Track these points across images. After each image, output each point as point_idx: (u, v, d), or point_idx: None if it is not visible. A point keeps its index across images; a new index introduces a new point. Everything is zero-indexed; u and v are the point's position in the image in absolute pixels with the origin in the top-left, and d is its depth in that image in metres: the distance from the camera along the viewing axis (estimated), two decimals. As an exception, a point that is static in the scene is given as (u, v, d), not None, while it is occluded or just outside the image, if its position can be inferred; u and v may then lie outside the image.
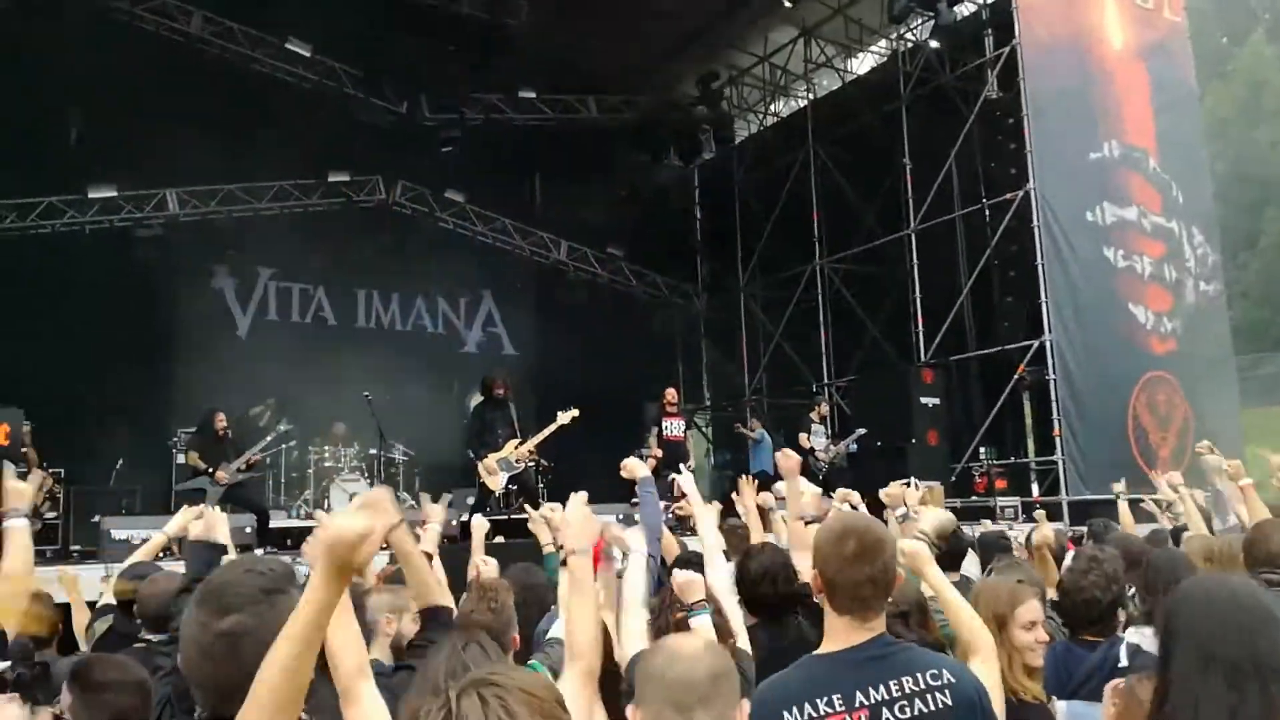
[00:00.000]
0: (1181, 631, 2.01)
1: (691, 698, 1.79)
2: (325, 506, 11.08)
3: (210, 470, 8.98)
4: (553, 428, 9.32)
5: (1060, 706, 3.11)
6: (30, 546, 2.99)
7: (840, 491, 5.98)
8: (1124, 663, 3.00)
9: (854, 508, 5.30)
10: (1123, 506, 6.27)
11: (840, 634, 2.34)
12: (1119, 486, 6.51)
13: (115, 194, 13.55)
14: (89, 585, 5.38)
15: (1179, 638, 2.01)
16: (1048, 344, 11.94)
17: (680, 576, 2.96)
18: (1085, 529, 6.15)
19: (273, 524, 9.54)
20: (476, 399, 9.89)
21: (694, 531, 5.85)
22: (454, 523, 9.20)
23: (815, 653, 2.38)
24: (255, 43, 14.00)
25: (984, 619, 2.90)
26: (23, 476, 8.62)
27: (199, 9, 13.46)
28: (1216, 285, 14.36)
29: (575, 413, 9.31)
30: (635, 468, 4.18)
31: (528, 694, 1.43)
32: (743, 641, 3.04)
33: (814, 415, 12.26)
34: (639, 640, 2.85)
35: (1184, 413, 12.91)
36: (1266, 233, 35.01)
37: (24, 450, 9.18)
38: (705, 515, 4.38)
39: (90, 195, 13.39)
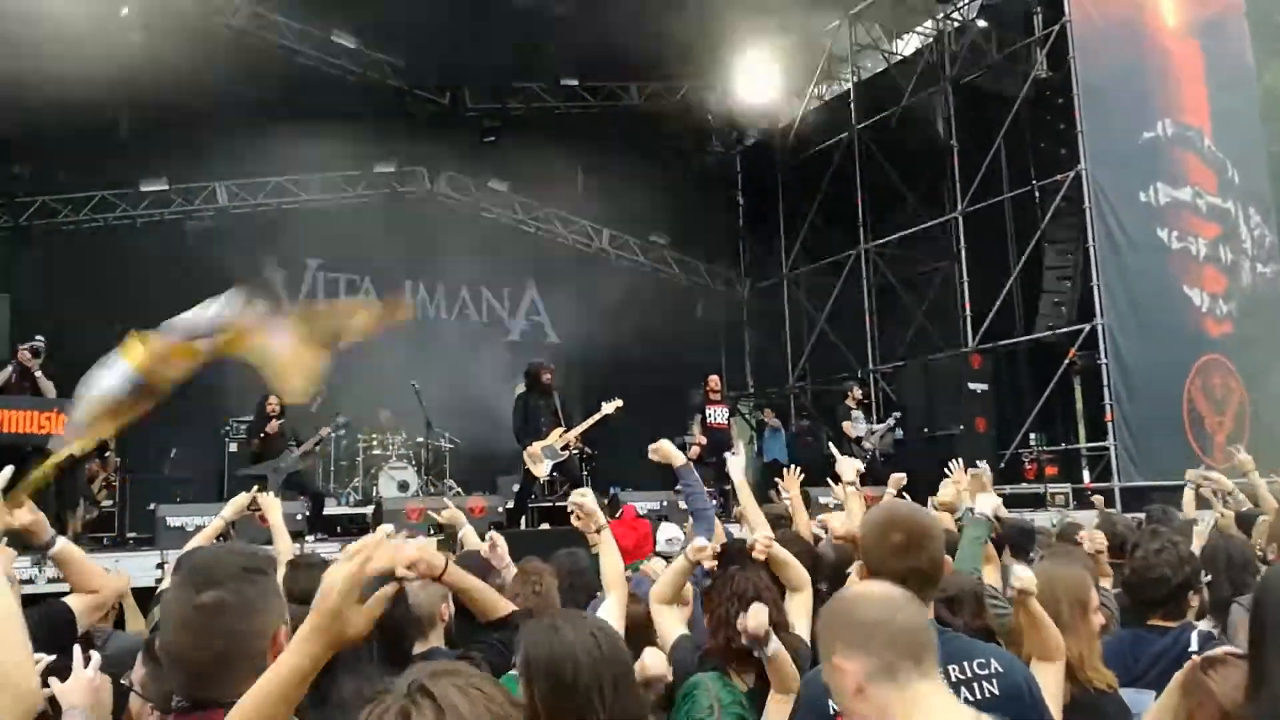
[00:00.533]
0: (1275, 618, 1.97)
1: (923, 645, 1.68)
2: (374, 494, 11.24)
3: (266, 456, 9.15)
4: (597, 417, 9.33)
5: (1125, 695, 3.01)
6: (85, 559, 3.08)
7: (894, 478, 5.91)
8: (1194, 648, 2.89)
9: (901, 495, 5.25)
10: (1189, 494, 6.12)
11: None
12: (1194, 474, 6.35)
13: (166, 187, 13.81)
14: (144, 573, 5.66)
15: (1273, 624, 1.96)
16: (1099, 328, 11.73)
17: (753, 621, 2.74)
18: (1143, 515, 6.01)
19: (325, 511, 9.68)
20: (521, 388, 9.93)
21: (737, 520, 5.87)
22: (500, 509, 9.30)
23: None
24: (301, 35, 14.15)
25: (1068, 605, 2.84)
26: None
27: (247, 2, 13.64)
28: (1274, 266, 14.01)
29: (619, 403, 9.31)
30: (669, 453, 4.01)
31: (480, 692, 1.38)
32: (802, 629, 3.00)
33: (849, 401, 11.96)
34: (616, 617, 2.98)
35: (1240, 397, 12.63)
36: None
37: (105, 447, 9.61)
38: (751, 501, 4.37)
39: (142, 189, 13.66)
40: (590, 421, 9.35)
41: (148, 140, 12.90)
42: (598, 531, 3.50)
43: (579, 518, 3.55)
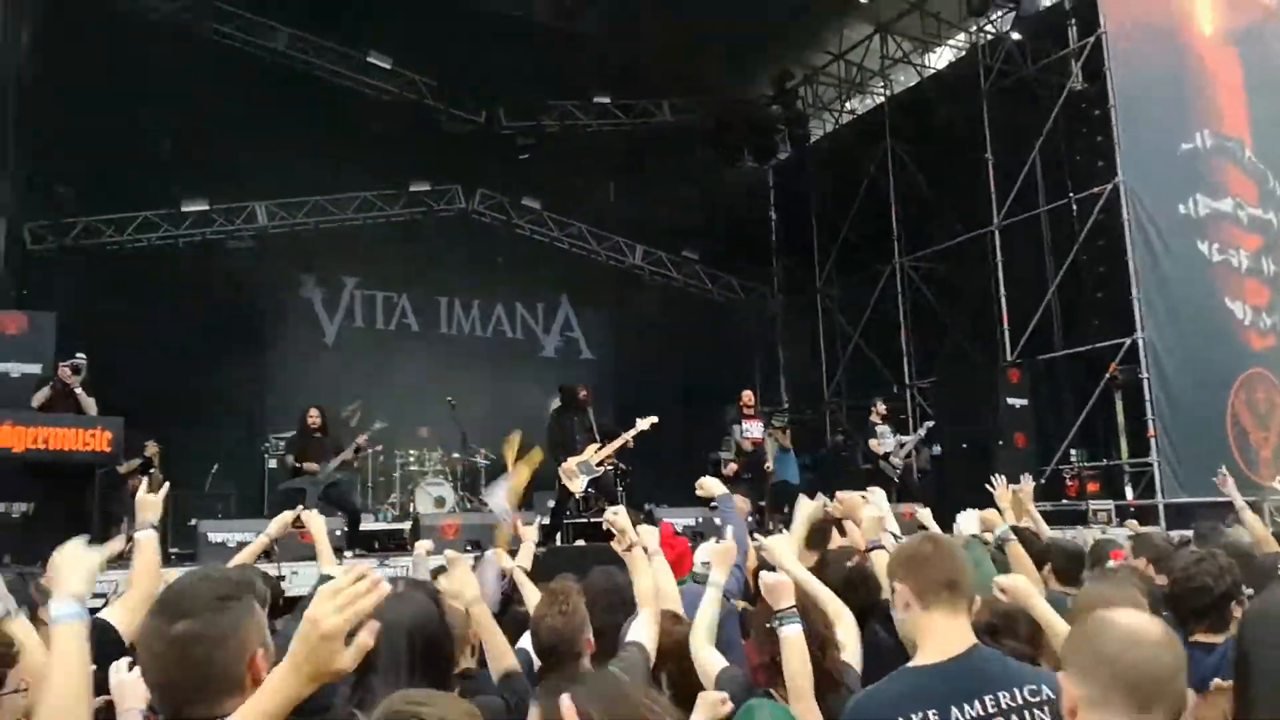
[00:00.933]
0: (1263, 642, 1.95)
1: (1150, 692, 1.58)
2: (411, 509, 11.31)
3: (300, 466, 9.24)
4: (632, 434, 9.29)
5: None
6: (157, 558, 3.09)
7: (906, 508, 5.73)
8: None
9: (922, 527, 5.11)
10: (1250, 517, 5.61)
11: (934, 645, 2.29)
12: (1233, 496, 6.12)
13: (207, 208, 14.05)
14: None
15: (1257, 657, 1.94)
16: (1140, 341, 11.56)
17: (769, 578, 2.84)
18: (1190, 532, 5.84)
19: (362, 527, 9.75)
20: (556, 404, 9.96)
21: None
22: (533, 525, 9.30)
23: (910, 664, 2.33)
24: (338, 57, 14.39)
25: None
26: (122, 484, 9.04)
27: (285, 27, 13.90)
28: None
29: (654, 419, 9.26)
30: (711, 487, 4.26)
31: None
32: (849, 654, 2.96)
33: (874, 418, 11.72)
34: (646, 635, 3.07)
35: (1285, 411, 12.37)
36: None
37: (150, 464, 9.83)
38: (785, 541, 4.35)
39: (183, 209, 13.92)
40: (625, 438, 9.32)
41: (189, 162, 13.17)
42: (629, 549, 3.51)
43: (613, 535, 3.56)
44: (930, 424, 11.86)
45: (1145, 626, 1.64)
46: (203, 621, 1.67)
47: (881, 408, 11.94)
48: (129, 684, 2.22)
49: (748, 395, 11.37)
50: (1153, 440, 11.36)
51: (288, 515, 4.65)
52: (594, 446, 9.24)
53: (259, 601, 1.79)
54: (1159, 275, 11.79)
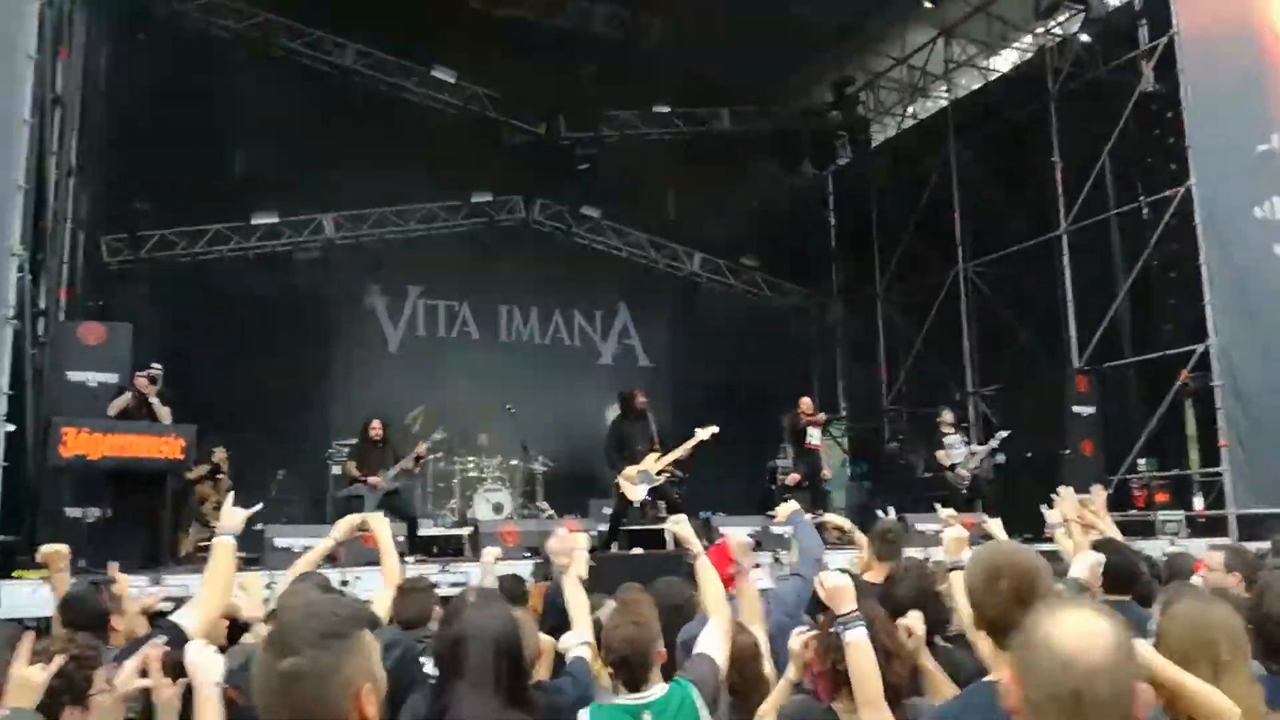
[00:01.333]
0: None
1: (1090, 713, 1.53)
2: (469, 515, 11.44)
3: (365, 478, 9.41)
4: (692, 443, 9.22)
5: None
6: (233, 566, 3.16)
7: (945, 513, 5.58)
8: None
9: (987, 537, 4.99)
10: None
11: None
12: None
13: (276, 220, 14.41)
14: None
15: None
16: (1212, 348, 11.23)
17: (830, 580, 2.77)
18: (1269, 544, 5.65)
19: (421, 532, 9.90)
20: (614, 412, 9.99)
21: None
22: (592, 533, 9.34)
23: (985, 679, 2.31)
24: (404, 72, 14.68)
25: (1227, 647, 2.56)
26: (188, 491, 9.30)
27: (352, 43, 14.22)
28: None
29: (715, 429, 9.17)
30: (785, 512, 4.47)
31: None
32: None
33: (943, 427, 11.66)
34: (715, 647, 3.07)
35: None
36: None
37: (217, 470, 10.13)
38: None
39: (253, 222, 14.29)
40: (686, 447, 9.26)
41: (259, 176, 13.54)
42: (694, 559, 3.53)
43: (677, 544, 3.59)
44: (1004, 434, 11.59)
45: (1085, 650, 1.55)
46: (308, 659, 1.72)
47: (949, 416, 11.82)
48: (204, 662, 2.33)
49: (806, 402, 11.29)
50: (1224, 450, 11.02)
51: (354, 518, 4.72)
52: (654, 455, 9.22)
53: (369, 629, 1.85)
54: (1233, 280, 11.43)
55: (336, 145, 12.84)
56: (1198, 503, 11.80)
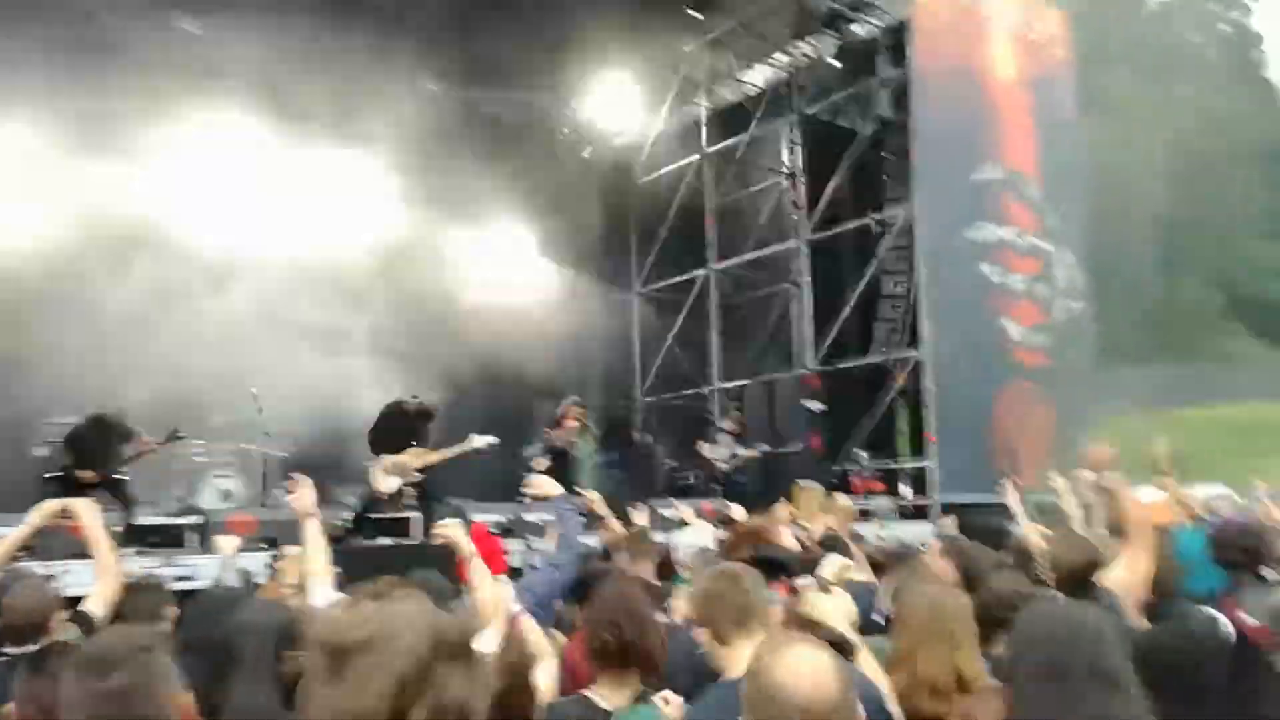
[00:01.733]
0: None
1: None
2: (196, 503, 10.57)
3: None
4: (466, 449, 8.69)
5: None
6: None
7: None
8: None
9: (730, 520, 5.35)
10: (1027, 527, 5.75)
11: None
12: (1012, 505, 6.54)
13: None
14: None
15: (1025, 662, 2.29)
16: (921, 355, 12.50)
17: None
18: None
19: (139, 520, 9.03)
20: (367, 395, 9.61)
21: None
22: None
23: (725, 679, 2.55)
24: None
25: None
26: None
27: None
28: (1083, 304, 15.17)
29: (492, 439, 8.71)
30: (548, 487, 4.33)
31: None
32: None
33: (727, 424, 12.90)
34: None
35: (1047, 421, 13.62)
36: (1129, 256, 37.34)
37: None
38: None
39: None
40: (456, 450, 8.75)
41: None
42: (464, 562, 3.46)
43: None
44: (765, 447, 12.73)
45: (802, 690, 1.79)
46: (131, 671, 1.68)
47: (730, 425, 12.91)
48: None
49: (572, 409, 11.49)
50: (931, 445, 12.32)
51: (52, 504, 4.09)
52: (416, 449, 8.78)
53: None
54: (943, 294, 12.74)
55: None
56: (905, 491, 13.18)
